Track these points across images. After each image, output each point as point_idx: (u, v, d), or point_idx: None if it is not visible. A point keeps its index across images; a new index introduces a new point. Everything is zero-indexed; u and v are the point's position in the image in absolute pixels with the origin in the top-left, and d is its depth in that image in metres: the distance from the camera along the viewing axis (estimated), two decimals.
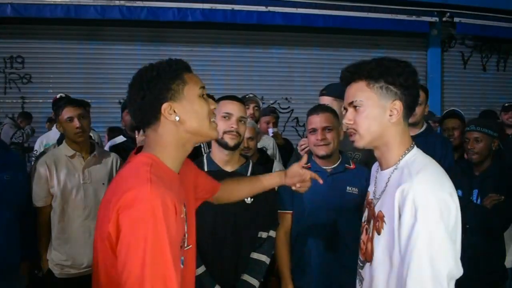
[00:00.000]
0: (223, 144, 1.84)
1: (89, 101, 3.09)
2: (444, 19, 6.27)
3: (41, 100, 5.68)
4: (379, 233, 1.21)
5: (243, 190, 1.60)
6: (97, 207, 2.32)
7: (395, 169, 1.22)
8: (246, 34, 6.01)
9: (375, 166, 1.41)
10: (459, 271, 1.10)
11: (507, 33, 6.36)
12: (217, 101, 1.90)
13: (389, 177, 1.23)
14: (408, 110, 1.23)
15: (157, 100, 1.10)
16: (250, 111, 3.30)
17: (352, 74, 1.25)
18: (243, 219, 1.85)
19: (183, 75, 1.14)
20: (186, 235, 1.17)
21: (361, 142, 1.24)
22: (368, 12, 5.90)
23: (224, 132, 1.81)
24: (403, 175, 1.16)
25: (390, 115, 1.21)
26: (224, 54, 5.98)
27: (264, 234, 1.91)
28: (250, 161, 1.99)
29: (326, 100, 2.35)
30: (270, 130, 3.52)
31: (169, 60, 1.17)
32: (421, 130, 2.59)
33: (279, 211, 2.04)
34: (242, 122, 1.85)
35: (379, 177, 1.30)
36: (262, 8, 5.62)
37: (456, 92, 6.70)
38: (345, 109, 1.28)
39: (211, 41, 5.94)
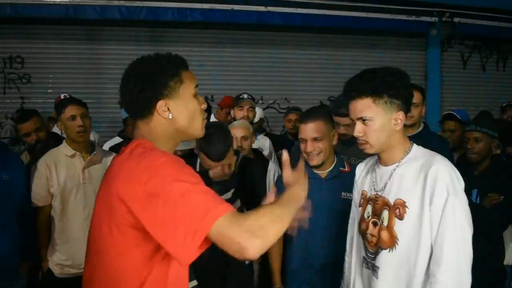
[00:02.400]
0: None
1: (88, 101, 3.09)
2: (443, 19, 6.27)
3: (40, 100, 5.67)
4: (401, 219, 1.37)
5: None
6: None
7: (399, 164, 1.43)
8: (246, 34, 6.00)
9: (360, 167, 1.62)
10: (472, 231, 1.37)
11: (506, 33, 6.35)
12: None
13: (393, 171, 1.43)
14: (407, 114, 1.44)
15: (154, 96, 1.12)
16: (244, 112, 3.22)
17: (358, 92, 1.39)
18: None
19: (181, 72, 1.17)
20: None
21: (371, 150, 1.44)
22: (368, 12, 5.90)
23: None
24: (424, 163, 1.37)
25: (395, 124, 1.40)
26: (223, 54, 5.97)
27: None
28: (240, 154, 2.00)
29: (348, 121, 2.23)
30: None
31: (168, 55, 1.18)
32: (419, 130, 2.60)
33: None
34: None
35: (380, 172, 1.47)
36: (261, 8, 5.61)
37: (456, 92, 6.71)
38: (352, 120, 1.45)
39: (211, 41, 5.94)
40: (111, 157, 2.49)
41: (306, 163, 2.05)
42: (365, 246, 1.50)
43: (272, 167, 2.69)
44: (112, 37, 5.75)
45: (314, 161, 1.97)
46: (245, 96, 3.41)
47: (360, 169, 1.64)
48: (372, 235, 1.44)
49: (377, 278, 1.42)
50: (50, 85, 5.67)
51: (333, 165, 2.03)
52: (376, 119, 1.38)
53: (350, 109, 1.44)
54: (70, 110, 2.35)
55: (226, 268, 1.87)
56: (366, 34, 6.22)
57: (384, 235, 1.40)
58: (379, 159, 1.49)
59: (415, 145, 1.45)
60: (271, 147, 3.38)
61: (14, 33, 5.55)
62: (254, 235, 0.93)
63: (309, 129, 1.95)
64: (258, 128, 3.61)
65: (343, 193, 1.98)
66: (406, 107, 1.41)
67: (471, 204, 2.27)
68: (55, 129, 3.35)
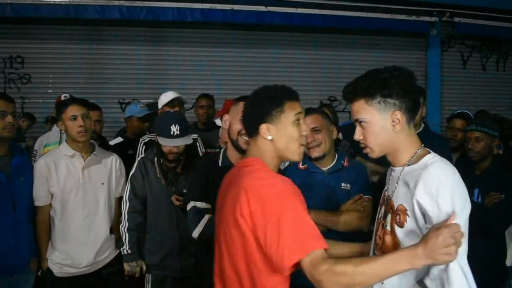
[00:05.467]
0: (237, 147, 1.88)
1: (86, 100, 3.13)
2: (443, 19, 6.27)
3: (40, 100, 5.67)
4: (402, 226, 1.30)
5: None
6: (96, 207, 2.39)
7: (404, 168, 1.34)
8: (246, 34, 6.00)
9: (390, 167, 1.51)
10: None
11: (506, 33, 6.35)
12: (236, 101, 1.94)
13: (399, 175, 1.34)
14: (411, 113, 1.32)
15: (259, 120, 1.38)
16: None
17: (352, 94, 1.36)
18: None
19: (284, 103, 1.39)
20: None
21: (373, 154, 1.37)
22: (368, 12, 5.90)
23: (239, 133, 1.85)
24: (420, 168, 1.27)
25: (393, 125, 1.30)
26: (223, 54, 5.97)
27: None
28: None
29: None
30: None
31: (281, 87, 1.43)
32: (419, 130, 2.60)
33: None
34: None
35: (393, 174, 1.40)
36: (261, 8, 5.61)
37: (456, 92, 6.70)
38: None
39: (211, 41, 5.93)
40: (111, 158, 2.51)
41: (308, 158, 2.08)
42: (373, 248, 1.46)
43: None
44: (112, 37, 5.74)
45: (315, 153, 2.01)
46: None
47: (389, 169, 1.51)
48: (379, 237, 1.40)
49: (382, 283, 1.32)
50: (50, 85, 5.67)
51: (334, 160, 2.07)
52: (371, 121, 1.32)
53: (351, 113, 1.42)
54: (72, 110, 2.35)
55: None
56: (366, 34, 6.22)
57: (388, 239, 1.35)
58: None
59: (422, 149, 1.35)
60: None
61: (14, 33, 5.55)
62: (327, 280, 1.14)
63: (307, 122, 2.00)
64: None
65: (342, 184, 2.03)
66: (407, 106, 1.30)
67: (472, 204, 2.29)
68: (55, 129, 3.36)
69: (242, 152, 1.86)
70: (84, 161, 2.39)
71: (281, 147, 1.37)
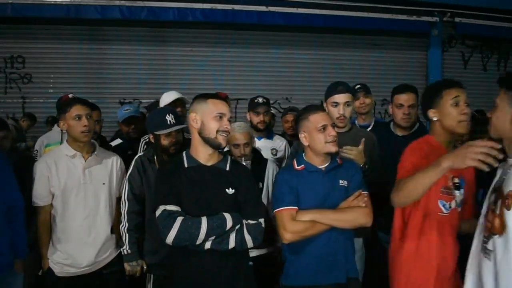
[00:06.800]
0: (215, 144, 1.86)
1: (89, 101, 3.12)
2: (444, 19, 6.28)
3: (41, 100, 5.69)
4: (509, 209, 1.48)
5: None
6: (97, 207, 2.38)
7: None
8: (246, 34, 6.02)
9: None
10: None
11: (507, 33, 6.36)
12: (197, 98, 1.90)
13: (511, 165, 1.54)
14: None
15: (427, 107, 1.88)
16: (260, 118, 3.14)
17: (501, 81, 1.63)
18: (222, 209, 1.84)
19: (442, 91, 1.83)
20: (459, 198, 1.84)
21: (491, 132, 1.63)
22: (368, 12, 5.90)
23: (218, 131, 1.84)
24: None
25: None
26: (224, 54, 5.98)
27: (251, 222, 1.86)
28: (228, 156, 2.00)
29: (348, 98, 2.43)
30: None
31: (436, 81, 1.94)
32: (414, 129, 2.63)
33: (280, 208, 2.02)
34: (230, 121, 1.92)
35: (507, 164, 1.59)
36: (262, 8, 5.63)
37: None
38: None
39: (211, 41, 5.95)
40: (111, 158, 2.51)
41: (302, 157, 2.09)
42: (481, 230, 1.62)
43: (270, 165, 2.69)
44: (113, 37, 5.76)
45: (335, 147, 2.02)
46: (260, 100, 3.22)
47: (501, 164, 1.73)
48: (489, 221, 1.56)
49: (489, 260, 1.53)
50: (51, 85, 5.68)
51: (330, 159, 2.08)
52: (500, 106, 1.57)
53: None
54: (76, 110, 2.34)
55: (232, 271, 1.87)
56: (366, 34, 6.23)
57: (497, 222, 1.52)
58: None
59: None
60: (287, 149, 3.21)
61: (15, 33, 5.56)
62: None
63: (326, 116, 2.05)
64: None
65: (340, 181, 2.03)
66: None
67: (476, 203, 2.30)
68: (55, 129, 3.36)
69: (220, 148, 1.88)
70: (85, 161, 2.39)
71: (446, 125, 1.82)
